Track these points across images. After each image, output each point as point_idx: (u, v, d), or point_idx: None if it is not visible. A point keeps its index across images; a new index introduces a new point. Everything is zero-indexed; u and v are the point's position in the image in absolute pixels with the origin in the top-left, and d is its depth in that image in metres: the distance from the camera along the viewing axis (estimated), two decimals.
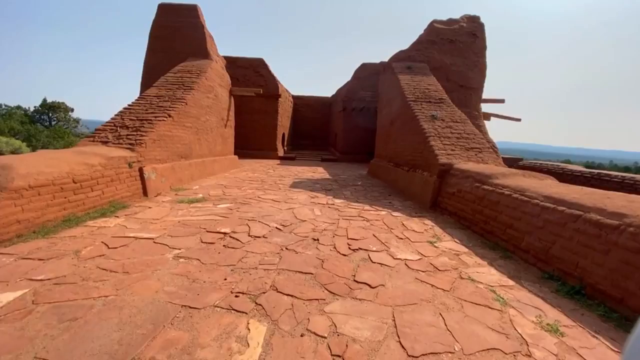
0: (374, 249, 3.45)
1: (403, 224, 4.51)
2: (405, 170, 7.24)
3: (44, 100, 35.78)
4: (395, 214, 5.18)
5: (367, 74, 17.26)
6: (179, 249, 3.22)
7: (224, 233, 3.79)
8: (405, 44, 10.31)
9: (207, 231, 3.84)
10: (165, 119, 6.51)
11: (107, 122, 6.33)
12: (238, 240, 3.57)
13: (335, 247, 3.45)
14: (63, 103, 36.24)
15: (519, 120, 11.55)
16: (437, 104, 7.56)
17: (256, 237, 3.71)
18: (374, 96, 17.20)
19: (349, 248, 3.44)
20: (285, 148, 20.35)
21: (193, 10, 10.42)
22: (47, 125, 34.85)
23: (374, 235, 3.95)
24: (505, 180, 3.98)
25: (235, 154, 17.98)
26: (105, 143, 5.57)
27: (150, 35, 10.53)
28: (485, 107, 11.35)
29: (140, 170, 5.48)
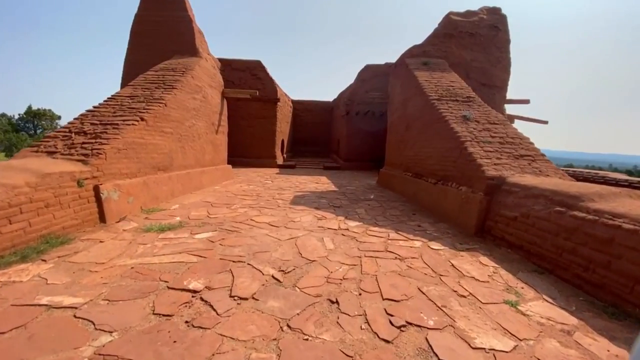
0: (431, 323, 2.15)
1: (453, 265, 3.21)
2: (431, 183, 5.96)
3: (29, 107, 34.58)
4: (434, 245, 3.88)
5: (371, 75, 16.14)
6: (109, 333, 1.91)
7: (194, 291, 2.48)
8: (410, 43, 9.13)
9: (169, 287, 2.53)
10: (136, 123, 5.24)
11: (61, 128, 5.06)
12: (212, 307, 2.26)
13: (367, 321, 2.14)
14: (49, 110, 35.04)
15: (545, 122, 10.35)
16: (466, 102, 6.34)
17: (242, 298, 2.40)
18: (380, 99, 16.05)
19: (391, 322, 2.14)
20: (285, 155, 19.13)
21: (180, 2, 9.28)
22: (32, 133, 33.58)
23: (419, 289, 2.64)
24: (608, 205, 2.70)
25: (229, 162, 16.70)
26: (51, 154, 4.29)
27: (131, 32, 9.36)
28: (508, 109, 10.16)
29: (96, 188, 4.19)
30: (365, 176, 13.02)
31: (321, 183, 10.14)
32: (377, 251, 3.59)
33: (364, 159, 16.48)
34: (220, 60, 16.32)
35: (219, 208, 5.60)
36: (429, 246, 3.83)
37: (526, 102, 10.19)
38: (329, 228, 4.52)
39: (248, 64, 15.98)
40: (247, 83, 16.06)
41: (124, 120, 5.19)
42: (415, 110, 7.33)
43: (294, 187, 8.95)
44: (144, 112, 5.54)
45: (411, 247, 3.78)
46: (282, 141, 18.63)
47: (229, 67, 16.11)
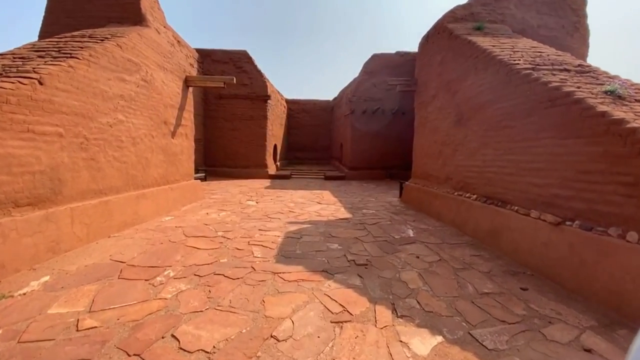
0: None
1: None
2: (545, 222, 3.14)
3: None
4: None
5: (379, 66, 13.47)
6: None
7: None
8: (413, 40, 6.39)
9: None
10: None
11: None
12: None
13: None
14: None
15: None
16: (584, 74, 3.59)
17: None
18: (391, 94, 13.38)
19: None
20: (278, 164, 16.32)
21: None
22: None
23: None
24: None
25: (209, 174, 13.84)
26: None
27: None
28: None
29: None
30: (380, 189, 10.21)
31: (325, 202, 7.32)
32: None
33: (373, 167, 13.70)
34: (199, 50, 13.61)
35: (126, 287, 2.74)
36: None
37: None
38: None
39: (231, 55, 13.27)
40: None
41: None
42: (478, 93, 4.57)
43: (287, 211, 6.12)
44: None
45: None
46: (275, 147, 15.85)
47: (208, 59, 13.40)
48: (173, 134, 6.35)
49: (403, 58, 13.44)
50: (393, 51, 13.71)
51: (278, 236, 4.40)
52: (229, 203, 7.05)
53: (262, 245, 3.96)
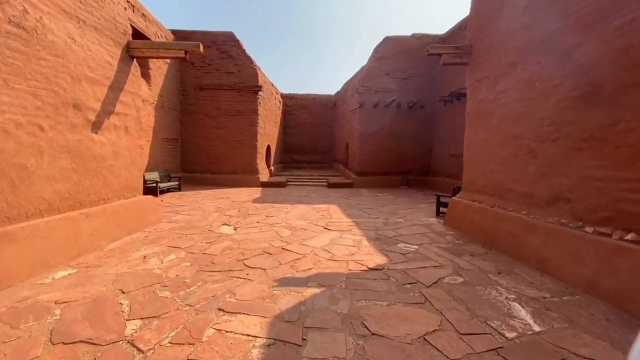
0: None
1: None
2: None
3: None
4: None
5: (393, 51, 11.21)
6: None
7: None
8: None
9: None
10: None
11: None
12: None
13: None
14: None
15: None
16: None
17: None
18: (408, 84, 11.10)
19: None
20: (272, 168, 13.95)
21: None
22: None
23: None
24: None
25: (187, 180, 10.88)
26: None
27: None
28: None
29: None
30: (402, 203, 7.86)
31: (336, 227, 4.96)
32: None
33: (386, 172, 11.38)
34: (176, 32, 11.19)
35: None
36: None
37: None
38: None
39: (215, 38, 10.93)
40: (214, 64, 10.99)
41: None
42: None
43: (279, 251, 3.76)
44: None
45: None
46: (268, 148, 13.49)
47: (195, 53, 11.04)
48: (96, 127, 3.97)
49: (421, 42, 11.18)
50: (409, 34, 11.47)
51: (255, 338, 2.03)
52: (192, 232, 4.67)
53: None
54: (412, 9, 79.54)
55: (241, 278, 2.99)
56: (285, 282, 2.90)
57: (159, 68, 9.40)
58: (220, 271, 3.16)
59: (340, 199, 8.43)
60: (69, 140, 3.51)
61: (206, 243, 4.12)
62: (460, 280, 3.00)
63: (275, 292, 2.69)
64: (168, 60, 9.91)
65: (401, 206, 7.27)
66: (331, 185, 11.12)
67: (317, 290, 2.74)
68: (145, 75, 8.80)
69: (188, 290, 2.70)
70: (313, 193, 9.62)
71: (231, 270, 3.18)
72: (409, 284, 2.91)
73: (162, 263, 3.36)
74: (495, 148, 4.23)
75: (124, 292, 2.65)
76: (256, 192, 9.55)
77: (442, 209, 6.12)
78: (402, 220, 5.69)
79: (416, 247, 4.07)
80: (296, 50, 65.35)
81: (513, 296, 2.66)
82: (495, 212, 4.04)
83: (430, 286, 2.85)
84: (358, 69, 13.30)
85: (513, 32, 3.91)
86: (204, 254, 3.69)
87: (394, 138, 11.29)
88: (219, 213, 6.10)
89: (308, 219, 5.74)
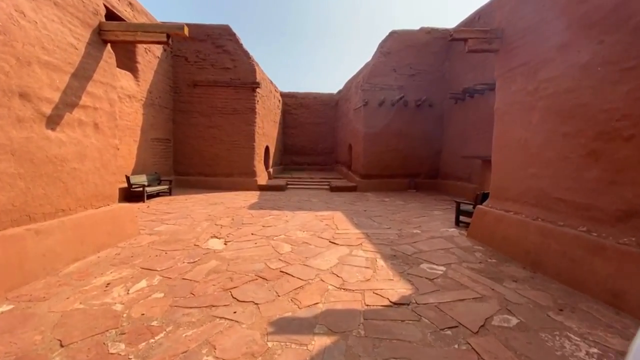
0: None
1: None
2: None
3: None
4: None
5: (400, 46, 10.53)
6: None
7: None
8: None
9: None
10: None
11: None
12: None
13: None
14: None
15: None
16: None
17: None
18: (416, 80, 10.40)
19: None
20: (271, 170, 13.24)
21: None
22: None
23: None
24: None
25: (180, 185, 9.92)
26: None
27: None
28: None
29: None
30: (413, 209, 7.14)
31: (343, 241, 4.24)
32: None
33: (392, 174, 10.67)
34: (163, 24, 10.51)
35: None
36: None
37: None
38: None
39: (209, 31, 10.23)
40: (209, 59, 10.29)
41: None
42: None
43: (275, 275, 3.05)
44: None
45: None
46: (267, 149, 12.78)
47: (179, 37, 10.34)
48: (53, 122, 3.25)
49: (430, 35, 10.50)
50: (416, 27, 10.79)
51: None
52: (174, 247, 3.95)
53: None
54: (420, 3, 78.98)
55: (226, 318, 2.27)
56: (284, 326, 2.19)
57: (148, 62, 8.68)
58: (199, 306, 2.44)
59: (344, 204, 7.71)
60: (12, 138, 2.79)
61: (188, 263, 3.40)
62: (514, 321, 2.29)
63: (270, 344, 1.97)
64: (158, 54, 9.20)
65: (413, 213, 6.56)
66: (334, 189, 10.40)
67: (327, 340, 2.02)
68: (132, 69, 8.08)
69: (151, 341, 1.98)
70: (314, 197, 8.90)
71: (214, 306, 2.46)
72: (448, 328, 2.19)
73: (128, 294, 2.64)
74: (537, 148, 3.52)
75: (62, 345, 1.93)
76: (253, 196, 8.83)
77: (462, 218, 5.41)
78: (419, 231, 4.97)
79: (443, 267, 3.36)
80: (296, 49, 64.75)
81: (595, 350, 1.95)
82: (540, 226, 3.33)
83: (477, 332, 2.14)
84: (361, 66, 12.61)
85: (562, 6, 3.20)
86: (183, 279, 2.97)
87: (401, 138, 10.59)
88: (209, 222, 5.37)
89: (310, 229, 5.02)
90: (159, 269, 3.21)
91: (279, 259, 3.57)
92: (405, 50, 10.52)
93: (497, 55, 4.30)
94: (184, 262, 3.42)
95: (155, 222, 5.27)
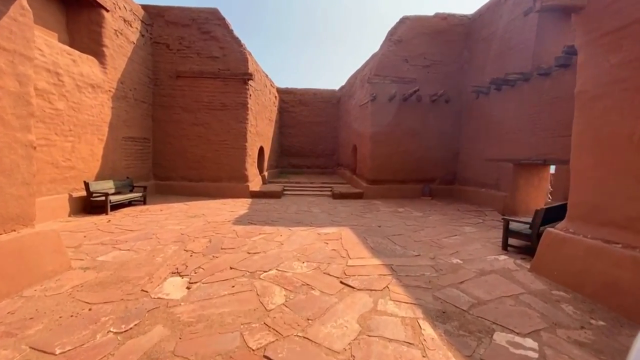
0: None
1: None
2: None
3: None
4: None
5: (413, 33, 9.26)
6: None
7: None
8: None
9: None
10: None
11: None
12: None
13: None
14: None
15: None
16: None
17: None
18: (431, 72, 9.12)
19: None
20: (266, 173, 11.89)
21: None
22: None
23: None
24: None
25: (160, 190, 8.52)
26: None
27: None
28: None
29: None
30: (436, 223, 5.81)
31: (358, 276, 2.92)
32: None
33: (405, 179, 9.38)
34: (147, 7, 9.10)
35: None
36: None
37: None
38: None
39: (194, 15, 8.92)
40: (194, 47, 8.96)
41: None
42: None
43: (258, 344, 1.75)
44: None
45: None
46: (261, 150, 11.43)
47: (161, 20, 9.01)
48: None
49: (446, 22, 9.25)
50: (431, 13, 9.53)
51: None
52: (109, 295, 2.61)
53: None
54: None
55: None
56: None
57: (120, 47, 7.34)
58: None
59: (351, 216, 6.39)
60: None
61: (115, 333, 2.07)
62: None
63: None
64: (133, 39, 7.86)
65: (440, 230, 5.24)
66: (337, 196, 9.08)
67: None
68: (98, 53, 6.73)
69: None
70: (315, 206, 7.57)
71: None
72: None
73: None
74: None
75: None
76: (243, 205, 7.48)
77: (510, 239, 4.11)
78: (459, 261, 3.66)
79: (533, 344, 2.04)
80: (296, 48, 63.52)
81: None
82: None
83: None
84: (363, 62, 11.34)
85: None
86: None
87: (413, 138, 9.30)
88: (178, 246, 4.03)
89: (312, 258, 3.69)
90: (57, 352, 1.87)
91: (264, 323, 2.24)
92: (419, 39, 9.25)
93: (580, 16, 3.01)
94: (108, 332, 2.09)
95: (105, 246, 3.92)
